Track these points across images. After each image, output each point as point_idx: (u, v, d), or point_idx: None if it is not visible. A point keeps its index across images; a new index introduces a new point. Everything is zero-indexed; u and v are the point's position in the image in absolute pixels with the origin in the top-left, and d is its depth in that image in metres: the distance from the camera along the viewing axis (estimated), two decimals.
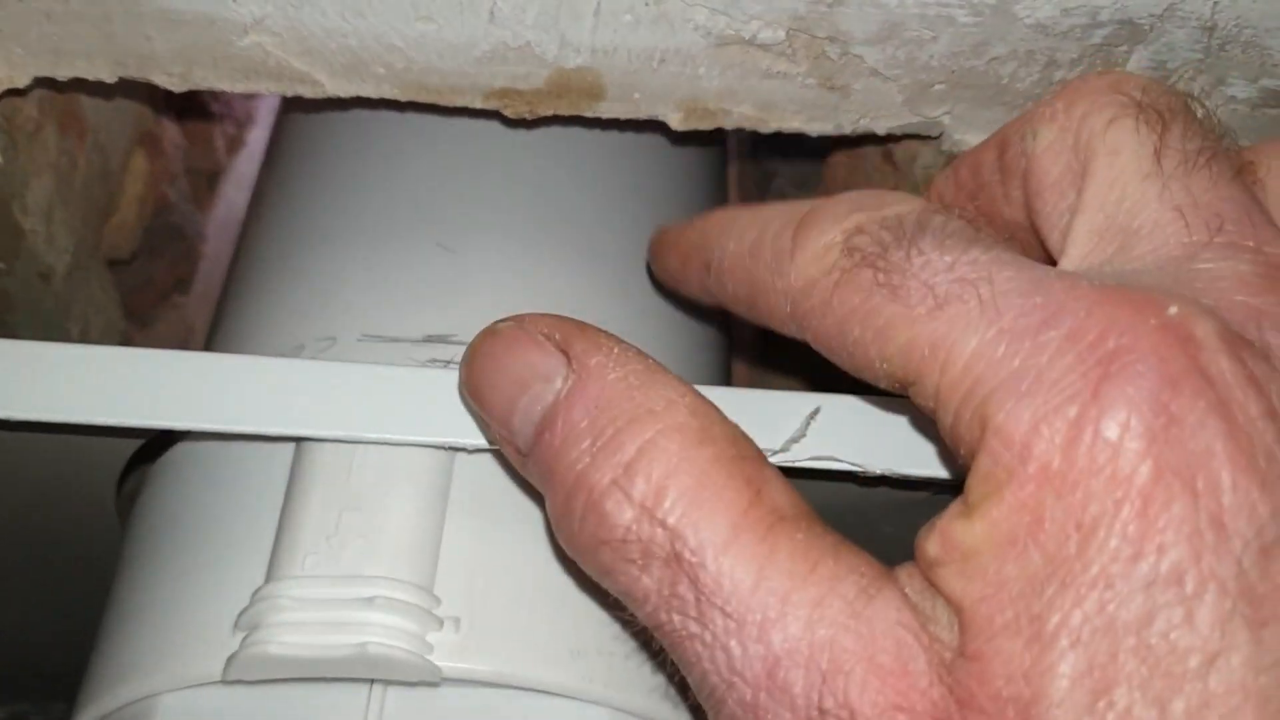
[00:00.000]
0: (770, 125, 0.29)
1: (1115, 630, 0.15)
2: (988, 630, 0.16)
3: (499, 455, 0.25)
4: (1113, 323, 0.16)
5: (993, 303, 0.17)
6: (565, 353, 0.20)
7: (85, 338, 0.37)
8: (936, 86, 0.28)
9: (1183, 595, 0.15)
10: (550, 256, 0.30)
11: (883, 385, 0.19)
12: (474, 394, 0.22)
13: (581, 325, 0.21)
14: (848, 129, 0.29)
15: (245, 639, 0.23)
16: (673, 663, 0.19)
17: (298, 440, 0.25)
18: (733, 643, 0.17)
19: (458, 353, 0.27)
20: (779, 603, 0.17)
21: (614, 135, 0.32)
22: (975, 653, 0.16)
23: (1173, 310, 0.16)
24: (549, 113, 0.29)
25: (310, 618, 0.22)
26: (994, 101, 0.28)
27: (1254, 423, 0.16)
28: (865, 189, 0.21)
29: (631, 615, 0.19)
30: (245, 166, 0.52)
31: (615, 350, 0.20)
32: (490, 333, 0.21)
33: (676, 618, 0.18)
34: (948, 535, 0.17)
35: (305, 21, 0.26)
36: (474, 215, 0.30)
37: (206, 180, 0.52)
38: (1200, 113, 0.20)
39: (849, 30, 0.26)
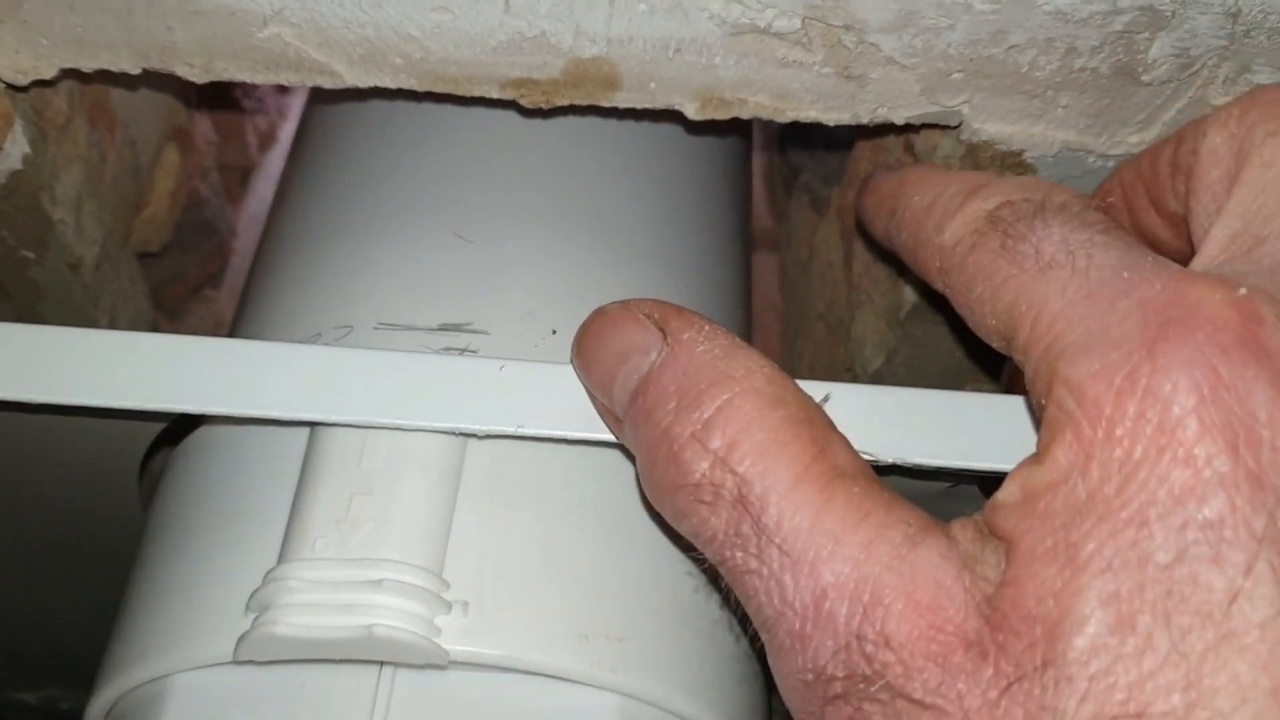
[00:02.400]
0: (787, 115, 0.29)
1: (1146, 564, 0.16)
2: (1028, 557, 0.17)
3: (510, 441, 0.25)
4: (1181, 294, 0.18)
5: (1086, 270, 0.19)
6: (662, 330, 0.22)
7: (113, 328, 0.37)
8: (954, 75, 0.28)
9: (1213, 539, 0.16)
10: (567, 246, 0.30)
11: (995, 344, 0.21)
12: (582, 366, 0.24)
13: (678, 308, 0.23)
14: (865, 119, 0.29)
15: (255, 620, 0.23)
16: (735, 599, 0.20)
17: (312, 425, 0.25)
18: (786, 576, 0.19)
19: (473, 341, 0.28)
20: (831, 543, 0.19)
21: (631, 125, 0.32)
22: (1013, 578, 0.17)
23: (1242, 290, 0.18)
24: (565, 103, 0.29)
25: (319, 599, 0.22)
26: (1013, 90, 0.28)
27: None
28: (1043, 180, 0.23)
29: (701, 555, 0.21)
30: (277, 162, 0.53)
31: (706, 328, 0.22)
32: (599, 312, 0.24)
33: (739, 554, 0.20)
34: (1017, 480, 0.18)
35: (323, 12, 0.27)
36: (490, 205, 0.30)
37: (239, 175, 0.52)
38: None
39: (865, 18, 0.26)
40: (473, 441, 0.25)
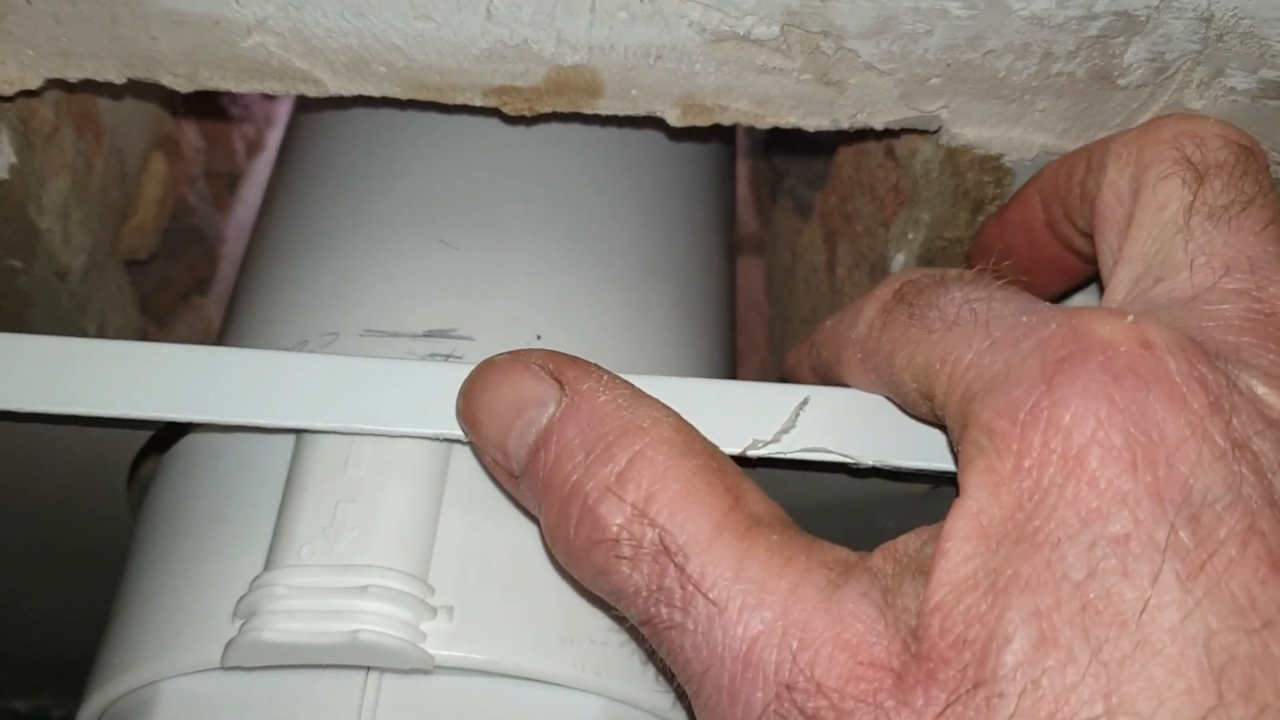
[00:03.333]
0: (767, 121, 0.29)
1: (1061, 583, 0.17)
2: (951, 585, 0.18)
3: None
4: (1074, 329, 0.19)
5: (988, 322, 0.20)
6: (558, 380, 0.22)
7: (101, 336, 0.38)
8: (932, 80, 0.28)
9: (1121, 553, 0.17)
10: (551, 251, 0.30)
11: (923, 410, 0.22)
12: (470, 422, 0.23)
13: (572, 357, 0.22)
14: (845, 124, 0.29)
15: (243, 626, 0.23)
16: (661, 660, 0.20)
17: (298, 432, 0.26)
18: (715, 628, 0.19)
19: (458, 347, 0.28)
20: (757, 590, 0.19)
21: (613, 132, 0.32)
22: (938, 605, 0.18)
23: (1130, 318, 0.19)
24: (548, 110, 0.29)
25: (305, 605, 0.23)
26: (991, 95, 0.28)
27: (1195, 411, 0.18)
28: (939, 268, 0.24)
29: (622, 615, 0.21)
30: (265, 169, 0.53)
31: (605, 377, 0.22)
32: (487, 364, 0.23)
33: (664, 609, 0.20)
34: (948, 520, 0.19)
35: (307, 22, 0.27)
36: (474, 211, 0.30)
37: (226, 183, 0.53)
38: (1252, 167, 0.22)
39: (843, 25, 0.26)
40: (457, 447, 0.25)
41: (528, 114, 0.29)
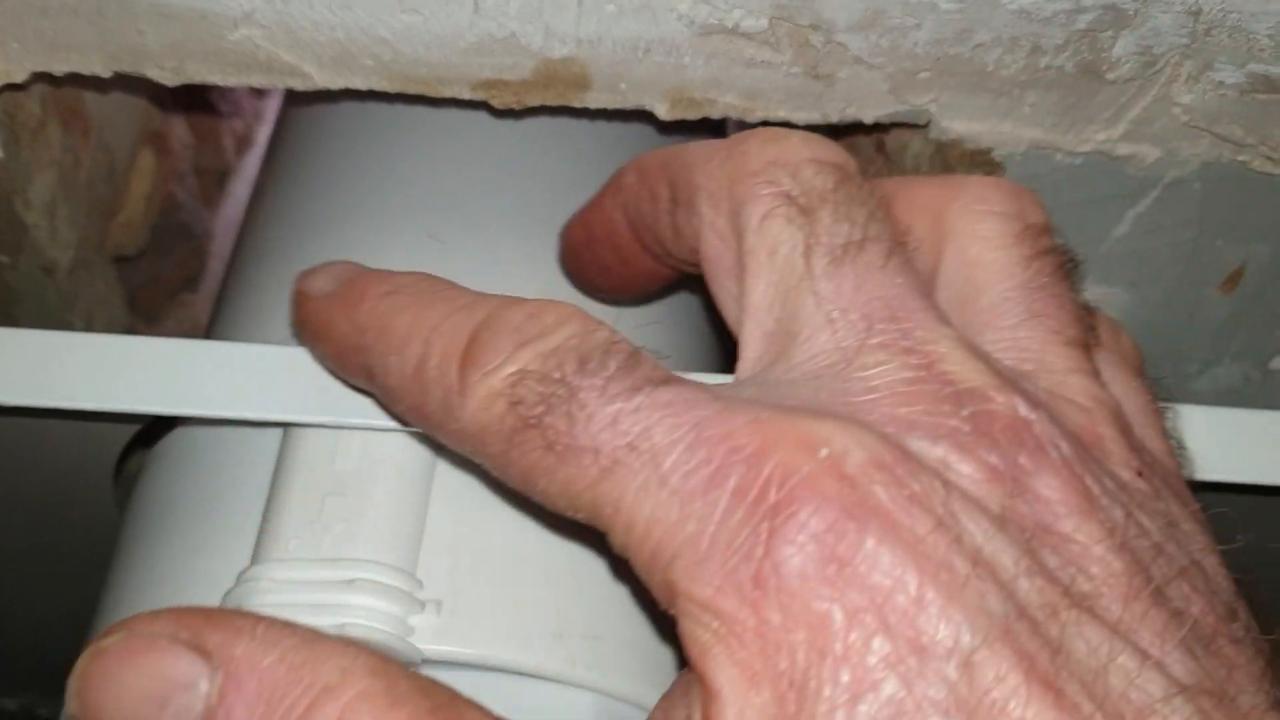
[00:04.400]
0: (757, 114, 0.29)
1: None
2: None
3: None
4: (771, 473, 0.16)
5: (656, 463, 0.17)
6: (200, 649, 0.17)
7: (88, 332, 0.37)
8: (922, 74, 0.28)
9: None
10: (539, 246, 0.30)
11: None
12: None
13: (207, 612, 0.18)
14: (834, 118, 0.29)
15: None
16: None
17: (285, 426, 0.25)
18: None
19: None
20: None
21: (602, 125, 0.32)
22: None
23: (824, 452, 0.16)
24: (536, 103, 0.29)
25: (291, 599, 0.23)
26: (980, 88, 0.28)
27: (924, 540, 0.16)
28: (527, 305, 0.20)
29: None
30: (254, 165, 0.53)
31: (259, 630, 0.17)
32: (96, 653, 0.17)
33: None
34: (675, 697, 0.17)
35: (293, 15, 0.27)
36: (463, 206, 0.30)
37: (215, 179, 0.52)
38: (853, 189, 0.20)
39: (831, 18, 0.26)
40: None
41: (516, 107, 0.29)
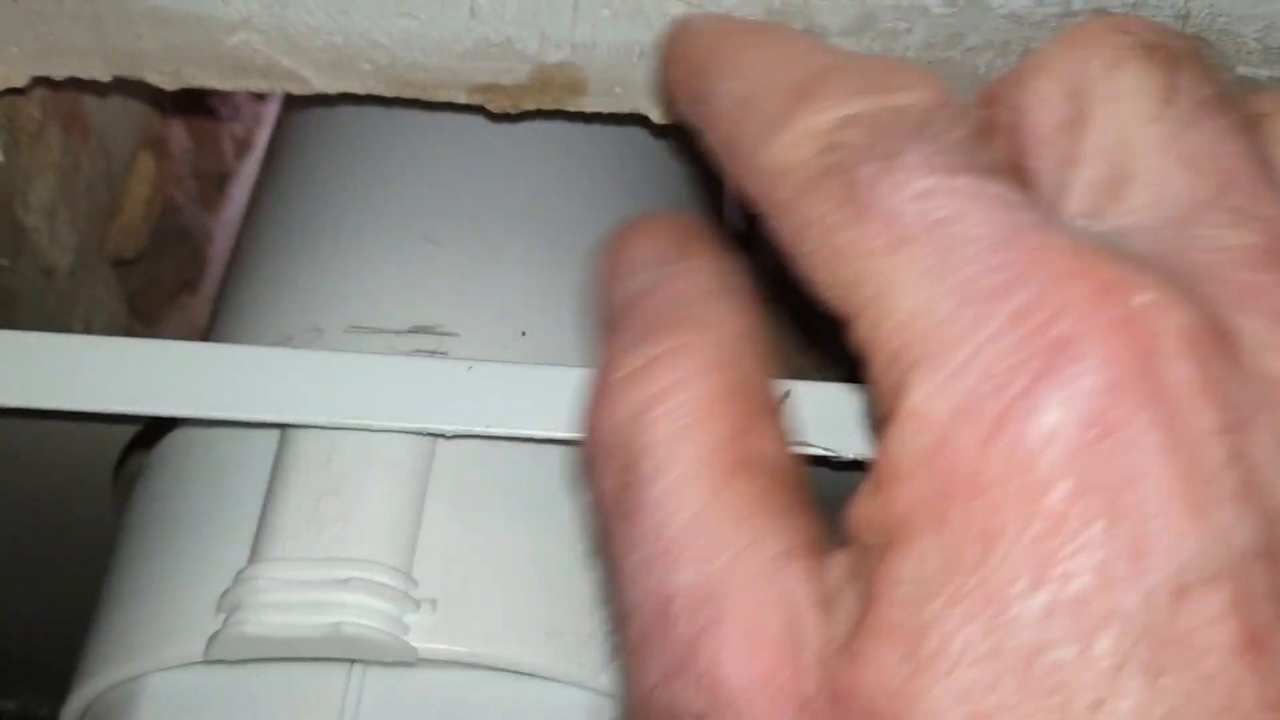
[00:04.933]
0: None
1: (1001, 658, 0.14)
2: (875, 630, 0.15)
3: (479, 441, 0.25)
4: (1069, 305, 0.14)
5: (952, 253, 0.15)
6: (676, 253, 0.19)
7: (88, 334, 0.38)
8: None
9: (1079, 630, 0.14)
10: (537, 248, 0.30)
11: (826, 305, 0.17)
12: (602, 260, 0.20)
13: (708, 234, 0.20)
14: None
15: (226, 620, 0.23)
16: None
17: (282, 427, 0.26)
18: (648, 567, 0.16)
19: (442, 343, 0.28)
20: (704, 541, 0.16)
21: (598, 129, 0.32)
22: (858, 650, 0.15)
23: (1138, 300, 0.14)
24: (532, 107, 0.29)
25: (287, 599, 0.23)
26: (971, 91, 0.28)
27: (1201, 441, 0.14)
28: (887, 61, 0.18)
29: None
30: (253, 169, 0.53)
31: (709, 261, 0.19)
32: (638, 217, 0.21)
33: (617, 526, 0.17)
34: (861, 509, 0.16)
35: (291, 19, 0.27)
36: (459, 209, 0.31)
37: (215, 182, 0.53)
38: (1212, 59, 0.18)
39: (824, 23, 0.27)
40: (441, 442, 0.25)
41: (512, 111, 0.29)
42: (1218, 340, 0.15)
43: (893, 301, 0.15)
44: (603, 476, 0.17)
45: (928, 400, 0.15)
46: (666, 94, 0.22)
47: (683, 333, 0.18)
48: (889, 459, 0.15)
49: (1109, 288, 0.15)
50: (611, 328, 0.19)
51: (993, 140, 0.17)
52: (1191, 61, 0.17)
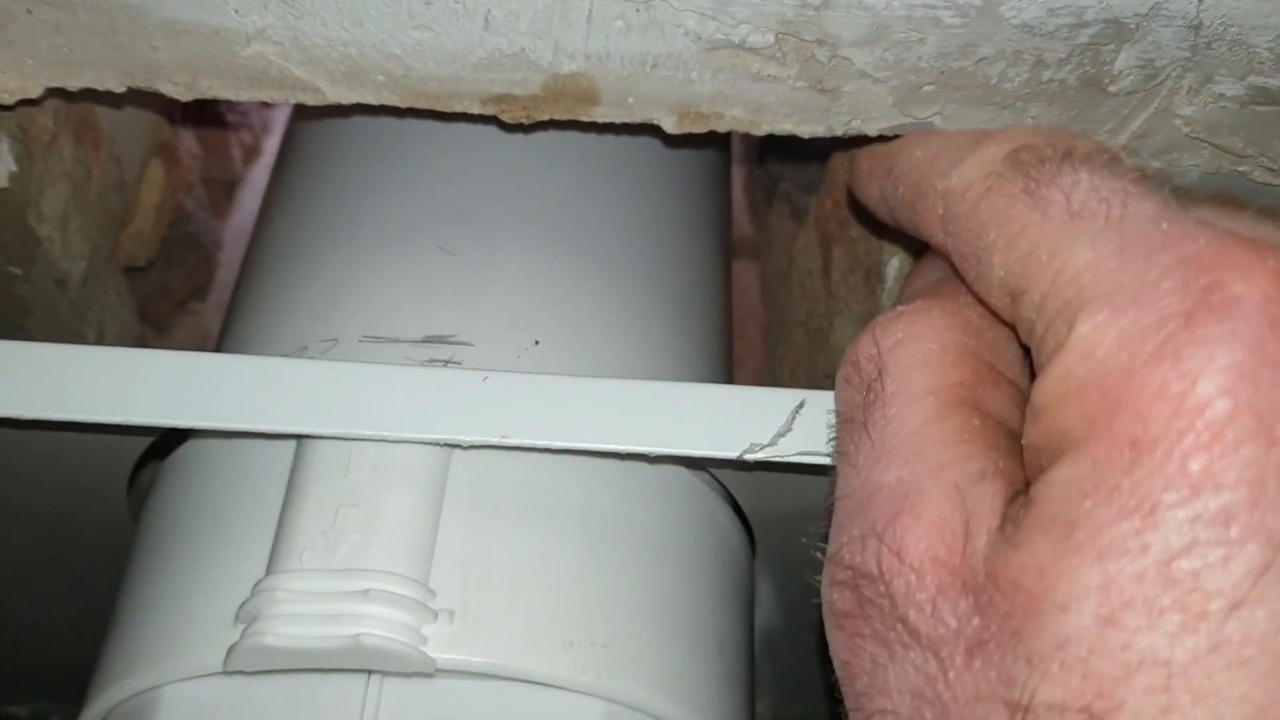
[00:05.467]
0: (762, 128, 0.29)
1: (1145, 554, 0.15)
2: (1033, 524, 0.17)
3: (494, 452, 0.26)
4: (1227, 255, 0.16)
5: (1120, 221, 0.18)
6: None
7: (100, 343, 0.38)
8: (926, 88, 0.28)
9: (1225, 537, 0.15)
10: (549, 257, 0.30)
11: (995, 300, 0.20)
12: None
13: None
14: (839, 130, 0.29)
15: (245, 631, 0.23)
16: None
17: (298, 438, 0.26)
18: (864, 465, 0.20)
19: (456, 352, 0.28)
20: (914, 452, 0.19)
21: (610, 139, 0.32)
22: (1017, 541, 0.17)
23: (1273, 261, 0.16)
24: (545, 118, 0.29)
25: (307, 610, 0.23)
26: (983, 102, 0.29)
27: None
28: (1064, 130, 0.22)
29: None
30: (262, 176, 0.53)
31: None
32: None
33: (846, 436, 0.20)
34: (1027, 442, 0.18)
35: (306, 31, 0.27)
36: (473, 218, 0.31)
37: (224, 189, 0.53)
38: None
39: (837, 33, 0.27)
40: (457, 452, 0.25)
41: (525, 122, 0.29)
42: None
43: (1068, 260, 0.18)
44: (851, 390, 0.20)
45: (1094, 331, 0.17)
46: (857, 183, 0.27)
47: (942, 299, 0.21)
48: (1049, 387, 0.17)
49: (1261, 248, 0.16)
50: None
51: (1142, 175, 0.20)
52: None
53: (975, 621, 0.16)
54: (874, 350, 0.20)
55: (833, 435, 0.21)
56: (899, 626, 0.17)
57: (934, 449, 0.19)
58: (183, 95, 0.29)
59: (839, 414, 0.21)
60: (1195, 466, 0.15)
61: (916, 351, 0.20)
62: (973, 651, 0.16)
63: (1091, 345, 0.17)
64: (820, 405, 0.25)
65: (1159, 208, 0.18)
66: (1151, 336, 0.16)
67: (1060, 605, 0.16)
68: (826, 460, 0.24)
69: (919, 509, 0.18)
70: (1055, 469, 0.17)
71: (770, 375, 0.48)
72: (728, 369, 0.35)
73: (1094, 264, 0.17)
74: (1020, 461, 0.19)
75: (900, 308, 0.21)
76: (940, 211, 0.21)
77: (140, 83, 0.29)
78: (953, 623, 0.17)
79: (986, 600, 0.16)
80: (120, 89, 0.29)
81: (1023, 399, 0.20)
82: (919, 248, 0.23)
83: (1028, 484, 0.18)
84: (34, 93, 0.29)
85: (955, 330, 0.20)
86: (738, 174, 0.56)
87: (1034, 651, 0.16)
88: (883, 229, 0.25)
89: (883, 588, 0.18)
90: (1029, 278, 0.19)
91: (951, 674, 0.16)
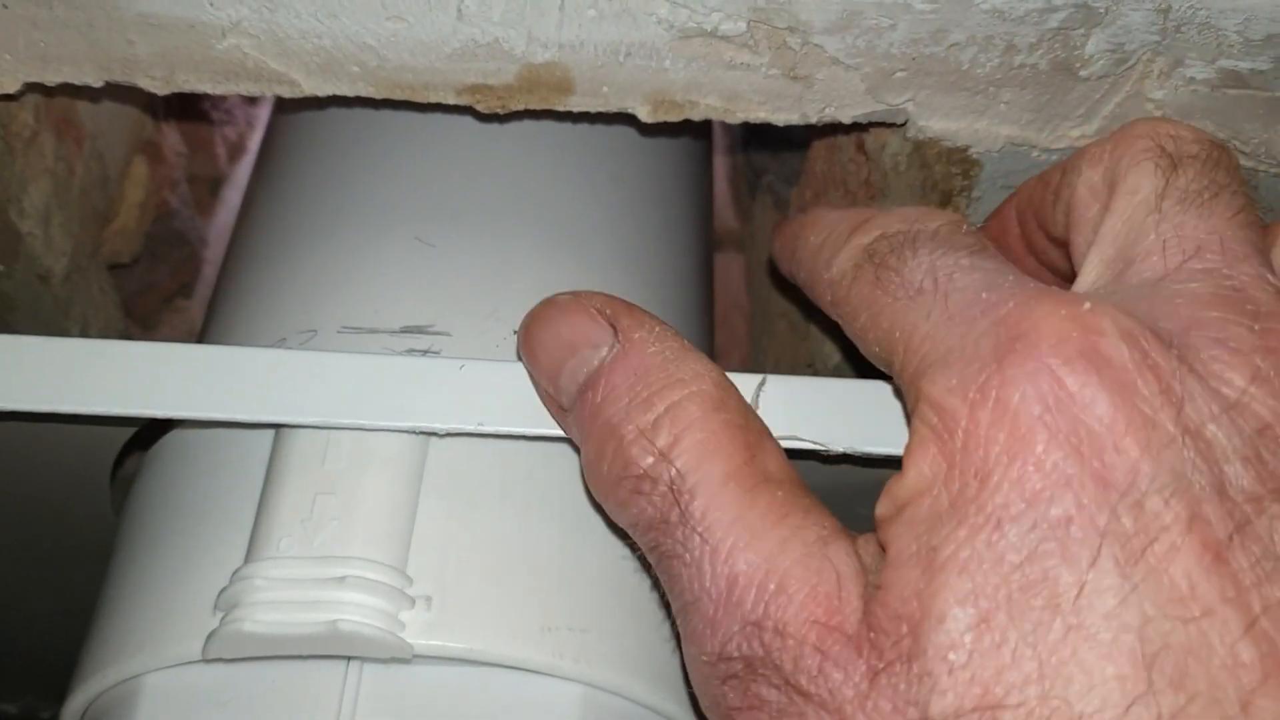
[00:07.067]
0: (737, 116, 0.29)
1: (1000, 563, 0.18)
2: (896, 561, 0.19)
3: (471, 439, 0.26)
4: (1029, 311, 0.19)
5: (948, 295, 0.21)
6: (613, 326, 0.23)
7: (84, 338, 0.38)
8: (898, 74, 0.28)
9: (1061, 536, 0.17)
10: (525, 248, 0.31)
11: (882, 368, 0.22)
12: (529, 352, 0.25)
13: (629, 305, 0.24)
14: (813, 118, 0.30)
15: (224, 618, 0.23)
16: (661, 590, 0.22)
17: (277, 427, 0.26)
18: (705, 563, 0.20)
19: (435, 342, 0.28)
20: (748, 536, 0.20)
21: (586, 129, 0.33)
22: (885, 581, 0.19)
23: (1087, 305, 0.19)
24: (520, 108, 0.29)
25: (284, 597, 0.23)
26: (956, 87, 0.29)
27: (1146, 400, 0.18)
28: (923, 207, 0.25)
29: (635, 543, 0.23)
30: (246, 172, 0.53)
31: (656, 329, 0.23)
32: (549, 302, 0.25)
33: (667, 540, 0.21)
34: (889, 493, 0.20)
35: (280, 23, 0.27)
36: (450, 209, 0.31)
37: (210, 186, 0.53)
38: (1224, 160, 0.23)
39: (808, 20, 0.27)
40: (434, 440, 0.26)
41: (501, 112, 0.29)
42: (1156, 337, 0.19)
43: (911, 334, 0.21)
44: (645, 509, 0.22)
45: (932, 388, 0.19)
46: (775, 261, 0.29)
47: (675, 390, 0.22)
48: (913, 442, 0.19)
49: (1059, 300, 0.19)
50: (587, 401, 0.23)
51: (992, 248, 0.22)
52: (1195, 162, 0.22)
53: (861, 666, 0.18)
54: (651, 456, 0.21)
55: (654, 540, 0.22)
56: (796, 697, 0.19)
57: (766, 531, 0.20)
58: (160, 89, 0.29)
59: (640, 526, 0.22)
60: (1028, 485, 0.18)
61: (696, 446, 0.21)
62: (868, 690, 0.18)
63: (936, 400, 0.19)
64: (795, 390, 0.25)
65: (984, 277, 0.21)
66: (974, 383, 0.19)
67: (938, 618, 0.18)
68: (800, 444, 0.25)
69: (787, 586, 0.19)
70: (911, 510, 0.19)
71: (755, 367, 0.49)
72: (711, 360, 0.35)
73: (930, 334, 0.20)
74: (821, 508, 0.21)
75: (653, 413, 0.22)
76: (829, 298, 0.24)
77: (118, 77, 0.29)
78: (842, 672, 0.18)
79: (871, 641, 0.18)
80: (98, 83, 0.29)
81: (774, 441, 0.22)
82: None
83: (851, 533, 0.21)
84: (12, 88, 0.29)
85: (714, 412, 0.22)
86: (721, 165, 0.56)
87: (925, 668, 0.17)
88: (802, 299, 0.28)
89: (772, 667, 0.19)
90: (891, 351, 0.21)
91: (860, 717, 0.18)
